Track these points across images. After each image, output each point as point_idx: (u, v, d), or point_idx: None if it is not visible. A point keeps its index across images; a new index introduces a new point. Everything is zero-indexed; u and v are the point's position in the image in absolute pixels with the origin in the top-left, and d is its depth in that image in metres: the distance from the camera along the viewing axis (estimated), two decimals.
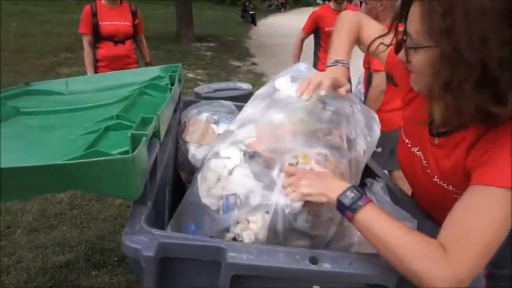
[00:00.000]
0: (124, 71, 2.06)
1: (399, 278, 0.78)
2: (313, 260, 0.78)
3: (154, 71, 1.80)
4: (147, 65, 3.34)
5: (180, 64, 1.84)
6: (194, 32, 9.89)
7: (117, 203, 2.85)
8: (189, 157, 1.34)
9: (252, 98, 1.25)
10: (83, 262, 2.25)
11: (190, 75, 6.67)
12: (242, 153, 0.98)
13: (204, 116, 1.47)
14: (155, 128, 0.95)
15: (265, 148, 0.98)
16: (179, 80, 1.64)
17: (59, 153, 0.84)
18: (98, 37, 3.03)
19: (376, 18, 2.39)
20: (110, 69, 2.96)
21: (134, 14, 3.18)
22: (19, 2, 12.78)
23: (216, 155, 1.03)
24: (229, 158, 0.99)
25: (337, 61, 1.10)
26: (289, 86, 1.14)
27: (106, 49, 3.06)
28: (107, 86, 1.69)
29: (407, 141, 1.05)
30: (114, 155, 0.77)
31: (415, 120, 1.01)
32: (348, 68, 1.12)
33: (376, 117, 1.30)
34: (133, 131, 0.83)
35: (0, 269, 2.13)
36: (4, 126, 1.18)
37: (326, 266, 0.77)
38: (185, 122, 1.49)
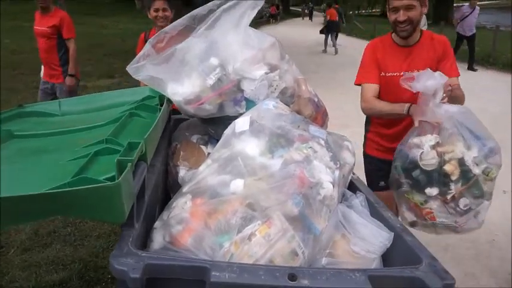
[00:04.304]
0: (115, 91, 2.10)
1: None
2: (292, 277, 0.82)
3: (144, 90, 1.85)
4: None
5: None
6: None
7: None
8: (179, 180, 1.38)
9: (221, 139, 1.24)
10: (76, 280, 2.25)
11: None
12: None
13: (195, 138, 1.51)
14: (142, 152, 0.99)
15: (190, 243, 0.96)
16: (168, 100, 1.68)
17: (50, 179, 0.88)
18: None
19: None
20: None
21: None
22: (13, 17, 12.79)
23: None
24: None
25: None
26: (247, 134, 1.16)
27: None
28: (99, 106, 1.72)
29: None
30: (101, 181, 0.81)
31: None
32: None
33: (348, 144, 1.35)
34: (120, 157, 0.87)
35: None
36: None
37: (304, 282, 0.82)
38: (176, 144, 1.52)
